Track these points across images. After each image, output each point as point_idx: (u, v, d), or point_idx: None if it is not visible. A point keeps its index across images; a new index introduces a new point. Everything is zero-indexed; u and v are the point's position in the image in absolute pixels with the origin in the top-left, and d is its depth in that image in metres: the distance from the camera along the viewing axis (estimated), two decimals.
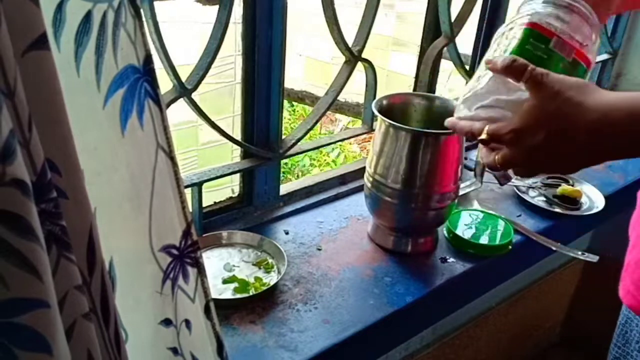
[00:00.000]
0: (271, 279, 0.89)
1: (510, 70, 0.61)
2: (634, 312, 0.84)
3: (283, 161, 1.09)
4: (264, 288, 0.86)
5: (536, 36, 0.65)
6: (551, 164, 0.63)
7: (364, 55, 1.09)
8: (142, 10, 0.46)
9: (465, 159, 1.20)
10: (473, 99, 0.69)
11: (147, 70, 0.47)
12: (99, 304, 0.42)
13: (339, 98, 1.12)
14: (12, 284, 0.33)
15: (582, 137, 0.58)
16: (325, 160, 3.33)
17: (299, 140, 1.06)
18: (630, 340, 0.87)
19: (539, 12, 0.67)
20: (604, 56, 1.70)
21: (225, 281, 0.87)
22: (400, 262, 0.97)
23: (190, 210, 0.54)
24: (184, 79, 0.87)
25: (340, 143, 3.31)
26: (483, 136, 0.64)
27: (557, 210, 1.15)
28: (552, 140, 0.59)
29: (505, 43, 0.68)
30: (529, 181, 1.23)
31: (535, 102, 0.60)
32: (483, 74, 0.69)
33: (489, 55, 0.69)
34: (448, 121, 0.72)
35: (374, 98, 1.14)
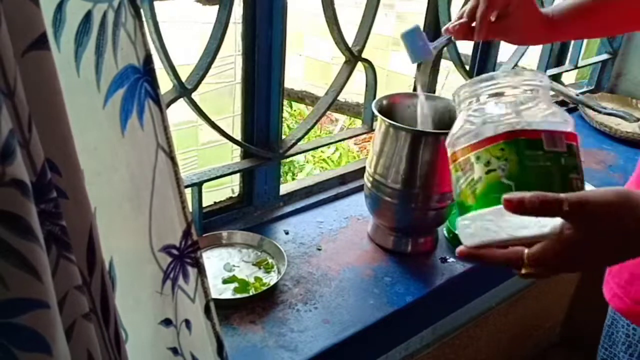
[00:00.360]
0: (271, 279, 0.89)
1: (543, 209, 0.52)
2: (621, 314, 0.84)
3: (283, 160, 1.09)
4: (264, 288, 0.86)
5: (528, 145, 0.57)
6: (597, 266, 0.61)
7: (364, 55, 1.09)
8: (142, 10, 0.46)
9: None
10: (480, 229, 0.59)
11: (147, 70, 0.47)
12: (99, 304, 0.42)
13: (339, 98, 1.12)
14: (12, 284, 0.33)
15: (633, 228, 0.53)
16: (320, 156, 3.33)
17: (299, 140, 1.06)
18: (616, 341, 0.87)
19: (498, 117, 0.59)
20: (604, 56, 1.70)
21: (225, 281, 0.87)
22: (400, 262, 0.97)
23: (190, 210, 0.54)
24: (184, 79, 0.87)
25: (347, 143, 3.31)
26: (525, 270, 0.56)
27: None
28: (595, 260, 0.57)
29: (494, 163, 0.58)
30: None
31: (577, 232, 0.53)
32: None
33: (466, 172, 0.60)
34: (462, 252, 0.61)
35: (374, 98, 1.14)
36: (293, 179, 3.09)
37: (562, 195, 0.52)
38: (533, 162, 0.57)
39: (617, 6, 0.85)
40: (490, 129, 0.58)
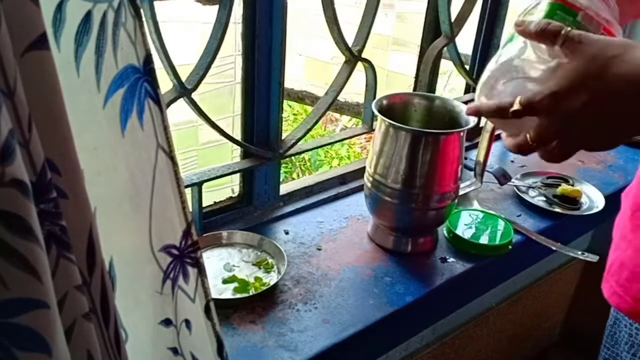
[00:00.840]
0: (271, 278, 0.89)
1: (544, 33, 0.55)
2: (621, 312, 0.84)
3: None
4: (264, 288, 0.86)
5: (563, 8, 0.62)
6: (592, 132, 0.55)
7: (364, 55, 1.09)
8: (142, 10, 0.46)
9: (465, 158, 1.20)
10: (497, 74, 0.64)
11: (147, 70, 0.47)
12: (99, 304, 0.42)
13: (339, 98, 1.12)
14: (12, 284, 0.33)
15: (633, 97, 0.51)
16: (337, 153, 3.36)
17: (299, 140, 1.06)
18: (619, 341, 0.87)
19: None
20: None
21: (225, 281, 0.87)
22: (400, 262, 0.97)
23: (190, 210, 0.54)
24: (184, 78, 0.87)
25: (347, 142, 3.34)
26: (516, 106, 0.56)
27: (557, 210, 1.15)
28: (597, 101, 0.52)
29: (534, 14, 0.64)
30: (529, 181, 1.23)
31: (574, 63, 0.54)
32: (503, 50, 0.65)
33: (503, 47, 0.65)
34: (469, 108, 0.66)
35: (374, 98, 1.14)
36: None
37: (565, 27, 0.55)
38: (559, 19, 0.61)
39: None
40: None
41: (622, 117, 0.54)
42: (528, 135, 0.57)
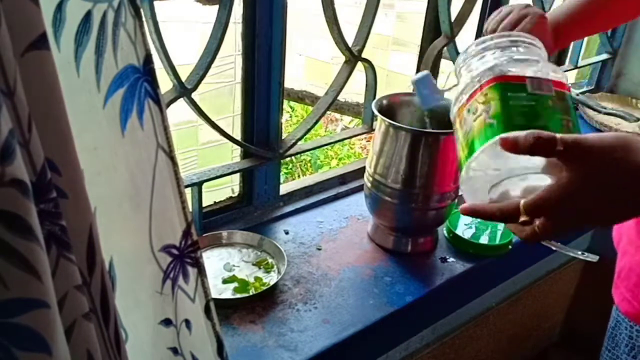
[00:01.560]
0: (271, 278, 0.89)
1: (537, 148, 0.52)
2: (630, 318, 0.84)
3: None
4: (264, 288, 0.86)
5: (511, 88, 0.58)
6: (601, 218, 0.56)
7: (363, 55, 1.09)
8: (142, 10, 0.46)
9: None
10: (482, 180, 0.59)
11: (147, 70, 0.47)
12: (99, 304, 0.42)
13: (339, 98, 1.12)
14: (12, 284, 0.33)
15: (631, 184, 0.52)
16: (337, 154, 3.37)
17: (298, 140, 1.06)
18: (619, 343, 0.87)
19: (490, 65, 0.61)
20: (604, 56, 1.70)
21: (225, 281, 0.87)
22: (400, 262, 0.97)
23: (190, 210, 0.54)
24: (184, 78, 0.87)
25: (347, 142, 3.34)
26: (523, 218, 0.55)
27: None
28: (599, 205, 0.53)
29: (480, 108, 0.59)
30: None
31: (573, 174, 0.52)
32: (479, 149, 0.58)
33: (462, 127, 0.61)
34: (464, 208, 0.61)
35: (374, 98, 1.14)
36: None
37: (558, 134, 0.52)
38: (516, 102, 0.57)
39: (616, 4, 0.86)
40: (476, 83, 0.60)
41: (625, 203, 0.54)
42: (537, 228, 0.56)
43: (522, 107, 0.57)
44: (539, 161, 0.55)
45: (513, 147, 0.53)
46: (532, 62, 0.62)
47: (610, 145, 0.52)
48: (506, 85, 0.58)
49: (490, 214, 0.58)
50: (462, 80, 0.65)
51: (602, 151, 0.52)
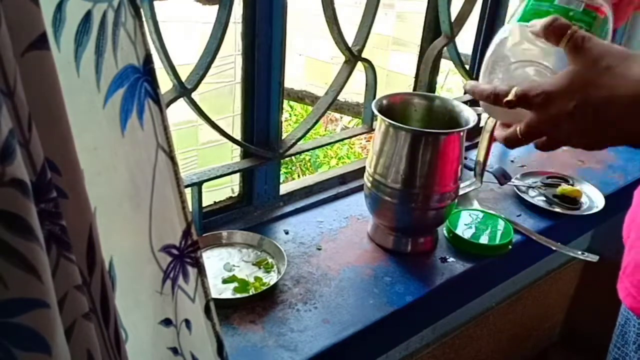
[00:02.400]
0: (271, 278, 0.89)
1: (550, 31, 0.56)
2: (635, 314, 0.84)
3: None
4: (264, 288, 0.86)
5: None
6: (579, 135, 0.57)
7: (363, 55, 1.09)
8: (142, 10, 0.46)
9: (465, 158, 1.20)
10: (499, 61, 0.65)
11: (147, 70, 0.47)
12: (99, 304, 0.42)
13: (339, 98, 1.12)
14: (12, 284, 0.33)
15: (617, 111, 0.53)
16: (337, 154, 3.36)
17: (299, 140, 1.06)
18: (628, 341, 0.87)
19: None
20: None
21: (225, 281, 0.87)
22: (400, 261, 0.97)
23: (190, 210, 0.54)
24: (184, 78, 0.87)
25: (347, 141, 3.34)
26: (510, 97, 0.58)
27: (557, 210, 1.15)
28: (586, 109, 0.54)
29: (515, 11, 0.67)
30: (529, 181, 1.23)
31: (573, 66, 0.55)
32: (506, 36, 0.66)
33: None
34: (468, 84, 0.67)
35: (374, 98, 1.14)
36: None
37: (575, 27, 0.55)
38: (537, 6, 0.63)
39: None
40: None
41: (609, 126, 0.55)
42: (518, 129, 0.59)
43: (539, 11, 0.63)
44: (553, 55, 0.61)
45: (533, 27, 0.58)
46: None
47: (619, 51, 0.54)
48: None
49: (484, 92, 0.62)
50: None
51: (609, 52, 0.54)
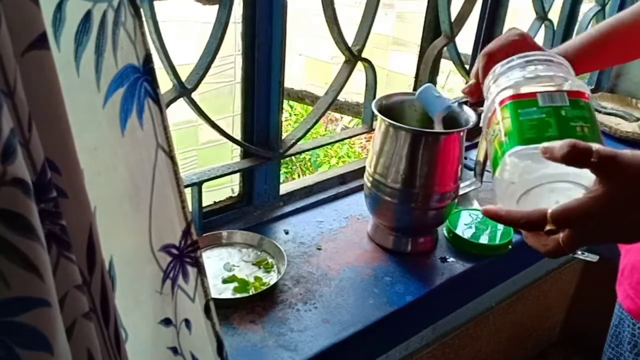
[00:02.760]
0: (271, 278, 0.89)
1: (570, 159, 0.51)
2: (632, 315, 0.84)
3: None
4: (264, 288, 0.86)
5: (522, 105, 0.61)
6: (628, 237, 0.55)
7: (363, 55, 1.09)
8: (141, 10, 0.46)
9: (465, 158, 1.20)
10: (516, 186, 0.60)
11: (146, 70, 0.47)
12: (99, 304, 0.42)
13: (339, 98, 1.12)
14: (13, 282, 0.33)
15: None
16: (337, 154, 3.37)
17: (299, 139, 1.06)
18: (622, 341, 0.88)
19: (502, 87, 0.64)
20: None
21: (225, 281, 0.87)
22: (400, 261, 0.97)
23: (190, 209, 0.54)
24: (183, 78, 0.87)
25: (347, 141, 3.35)
26: (549, 227, 0.53)
27: None
28: (625, 222, 0.53)
29: (497, 129, 0.62)
30: None
31: (607, 188, 0.51)
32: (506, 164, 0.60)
33: (489, 147, 0.64)
34: (488, 210, 0.60)
35: (374, 98, 1.14)
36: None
37: (594, 145, 0.51)
38: (526, 117, 0.59)
39: (627, 37, 0.85)
40: (491, 106, 0.64)
41: None
42: (561, 241, 0.56)
43: (531, 121, 0.59)
44: (570, 170, 0.55)
45: (550, 154, 0.53)
46: (545, 77, 0.63)
47: None
48: (516, 103, 0.61)
49: (514, 220, 0.57)
50: (486, 103, 0.68)
51: (636, 169, 0.51)
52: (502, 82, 0.65)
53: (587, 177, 0.54)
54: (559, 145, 0.52)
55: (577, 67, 0.80)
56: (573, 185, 0.57)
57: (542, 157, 0.54)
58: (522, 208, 0.58)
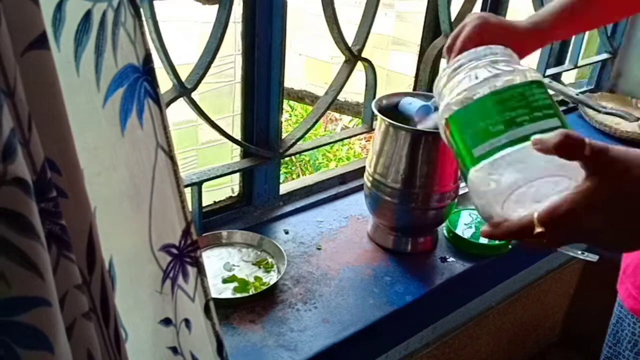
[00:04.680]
0: (271, 278, 0.89)
1: (565, 147, 0.50)
2: (634, 314, 0.84)
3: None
4: (264, 287, 0.86)
5: (460, 119, 0.62)
6: (614, 241, 0.54)
7: (363, 55, 1.09)
8: (141, 10, 0.46)
9: None
10: (493, 197, 0.58)
11: (146, 70, 0.47)
12: (99, 304, 0.42)
13: (339, 97, 1.12)
14: (14, 282, 0.33)
15: None
16: (336, 155, 3.36)
17: (298, 139, 1.06)
18: (621, 339, 0.88)
19: (446, 102, 0.64)
20: (604, 56, 1.70)
21: (225, 280, 0.87)
22: (400, 261, 0.97)
23: (190, 209, 0.54)
24: (183, 78, 0.87)
25: (347, 141, 3.35)
26: (539, 229, 0.52)
27: None
28: (617, 219, 0.51)
29: (449, 138, 0.63)
30: None
31: (597, 181, 0.50)
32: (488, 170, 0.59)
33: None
34: (484, 232, 0.60)
35: (374, 97, 1.14)
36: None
37: (587, 138, 0.49)
38: (469, 128, 0.61)
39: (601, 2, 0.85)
40: (441, 116, 0.65)
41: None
42: (546, 240, 0.55)
43: (475, 129, 0.60)
44: (541, 165, 0.54)
45: (543, 146, 0.51)
46: (483, 81, 0.62)
47: (636, 155, 0.50)
48: (456, 118, 0.62)
49: (508, 234, 0.57)
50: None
51: (628, 164, 0.50)
52: (441, 99, 0.67)
53: (560, 166, 0.53)
54: (553, 135, 0.50)
55: (552, 35, 0.79)
56: (550, 177, 0.56)
57: (533, 149, 0.52)
58: (507, 212, 0.58)
